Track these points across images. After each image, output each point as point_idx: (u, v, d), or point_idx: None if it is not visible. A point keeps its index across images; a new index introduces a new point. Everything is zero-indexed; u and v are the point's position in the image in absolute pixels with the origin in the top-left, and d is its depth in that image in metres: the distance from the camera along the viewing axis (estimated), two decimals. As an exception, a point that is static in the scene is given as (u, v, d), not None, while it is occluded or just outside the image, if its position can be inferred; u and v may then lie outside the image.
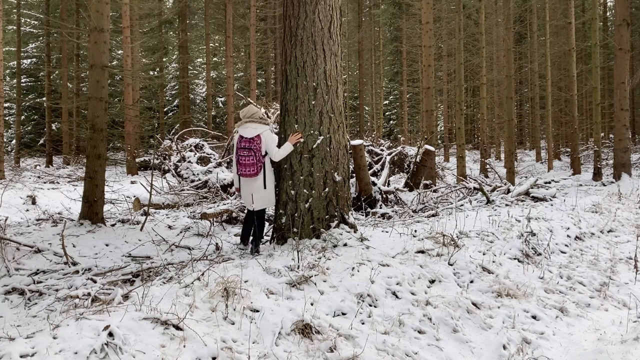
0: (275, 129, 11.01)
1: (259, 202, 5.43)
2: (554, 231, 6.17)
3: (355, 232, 5.28)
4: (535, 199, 8.78)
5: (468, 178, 13.17)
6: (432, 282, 4.45)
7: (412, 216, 7.73)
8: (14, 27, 25.02)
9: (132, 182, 15.44)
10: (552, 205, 8.01)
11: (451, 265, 4.79)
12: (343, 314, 3.79)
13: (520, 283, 4.61)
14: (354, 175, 8.82)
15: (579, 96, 22.65)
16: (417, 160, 10.37)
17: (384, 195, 8.92)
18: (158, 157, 12.65)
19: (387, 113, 40.01)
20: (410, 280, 4.35)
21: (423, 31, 14.00)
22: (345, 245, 4.93)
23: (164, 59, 30.82)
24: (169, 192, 10.25)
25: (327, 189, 5.26)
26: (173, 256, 5.70)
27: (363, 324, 3.71)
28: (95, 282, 4.51)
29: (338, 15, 5.42)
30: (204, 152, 11.97)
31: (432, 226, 5.85)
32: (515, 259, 5.27)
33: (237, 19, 25.39)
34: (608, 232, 6.82)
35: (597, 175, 14.50)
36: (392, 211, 8.24)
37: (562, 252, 5.78)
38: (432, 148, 10.52)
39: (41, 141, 26.97)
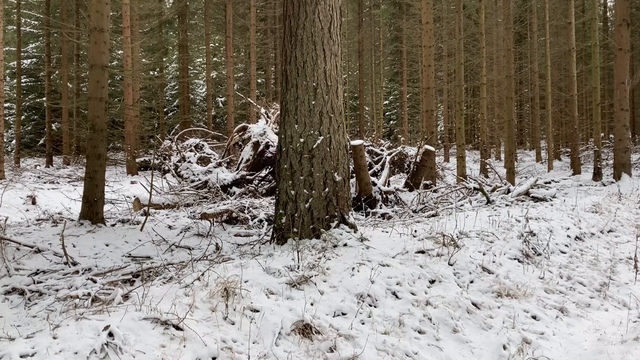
0: (275, 129, 11.02)
1: None
2: (554, 231, 6.17)
3: (355, 232, 5.28)
4: (535, 199, 8.78)
5: (468, 178, 13.17)
6: (432, 282, 4.45)
7: (412, 216, 7.73)
8: (14, 27, 25.01)
9: (132, 182, 15.44)
10: (552, 205, 8.00)
11: (451, 265, 4.79)
12: (343, 314, 3.79)
13: (520, 283, 4.60)
14: (354, 175, 8.81)
15: (579, 96, 22.64)
16: (417, 160, 10.37)
17: (384, 196, 8.92)
18: (158, 157, 12.65)
19: (387, 113, 39.99)
20: (410, 280, 4.35)
21: (423, 31, 13.99)
22: (345, 245, 4.93)
23: (164, 59, 30.82)
24: (169, 192, 10.25)
25: (327, 189, 5.26)
26: (173, 256, 5.69)
27: (363, 324, 3.70)
28: (95, 282, 4.50)
29: (338, 16, 5.42)
30: (204, 152, 11.98)
31: (432, 226, 5.84)
32: (515, 259, 5.27)
33: (237, 19, 25.38)
34: (608, 232, 6.81)
35: (597, 175, 14.50)
36: (392, 211, 8.24)
37: (562, 252, 5.77)
38: (432, 148, 10.52)
39: (41, 141, 26.96)
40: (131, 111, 18.85)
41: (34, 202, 10.53)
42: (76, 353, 2.80)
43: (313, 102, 5.25)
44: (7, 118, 26.95)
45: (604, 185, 13.06)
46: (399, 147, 11.98)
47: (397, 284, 4.25)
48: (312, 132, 5.24)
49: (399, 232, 5.60)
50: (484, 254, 5.13)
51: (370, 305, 3.95)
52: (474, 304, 4.17)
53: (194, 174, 10.93)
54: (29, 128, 28.67)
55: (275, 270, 4.18)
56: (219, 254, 5.38)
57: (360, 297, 3.98)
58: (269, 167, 10.90)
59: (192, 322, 3.25)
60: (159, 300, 3.45)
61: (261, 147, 10.75)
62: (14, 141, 25.76)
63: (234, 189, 10.38)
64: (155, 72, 29.33)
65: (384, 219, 7.69)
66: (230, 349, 3.12)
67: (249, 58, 25.59)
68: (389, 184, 10.39)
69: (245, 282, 3.87)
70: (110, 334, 2.95)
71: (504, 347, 3.65)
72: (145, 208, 8.34)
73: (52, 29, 23.14)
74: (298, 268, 4.27)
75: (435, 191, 10.01)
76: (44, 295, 4.28)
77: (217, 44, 33.78)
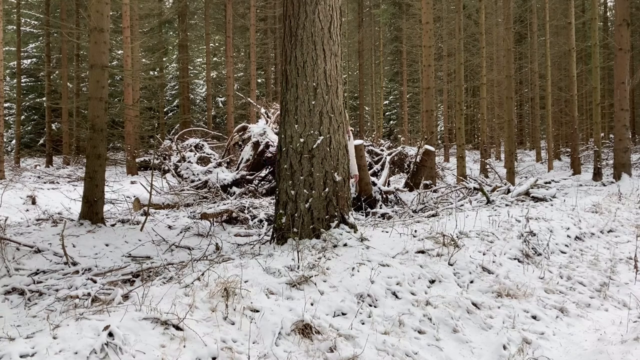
0: (275, 129, 11.02)
1: None
2: (554, 231, 6.17)
3: (355, 232, 5.28)
4: (535, 199, 8.78)
5: (468, 178, 13.16)
6: (432, 282, 4.44)
7: (412, 216, 7.73)
8: (14, 27, 25.01)
9: (132, 182, 15.44)
10: (552, 205, 8.00)
11: (451, 265, 4.79)
12: (343, 314, 3.79)
13: (520, 283, 4.60)
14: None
15: (579, 96, 22.64)
16: (417, 160, 10.37)
17: (384, 196, 8.92)
18: (158, 157, 12.65)
19: (387, 113, 39.99)
20: (410, 280, 4.35)
21: (423, 31, 14.00)
22: (345, 245, 4.93)
23: (164, 59, 30.82)
24: (169, 192, 10.25)
25: (327, 189, 5.26)
26: (173, 256, 5.69)
27: (363, 324, 3.70)
28: (95, 282, 4.50)
29: (338, 15, 5.42)
30: (204, 152, 11.98)
31: (432, 226, 5.84)
32: (515, 259, 5.27)
33: (237, 19, 25.39)
34: (608, 232, 6.81)
35: (597, 175, 14.50)
36: (392, 211, 8.24)
37: (562, 252, 5.77)
38: (432, 148, 10.52)
39: (41, 141, 26.96)
40: (131, 111, 18.85)
41: (34, 202, 10.53)
42: (76, 353, 2.80)
43: (313, 102, 5.25)
44: (7, 118, 26.95)
45: (604, 185, 13.06)
46: (399, 147, 11.98)
47: (397, 284, 4.25)
48: (312, 132, 5.24)
49: (399, 232, 5.60)
50: (484, 254, 5.13)
51: (370, 305, 3.95)
52: (474, 304, 4.17)
53: (194, 174, 10.93)
54: (29, 128, 28.67)
55: (275, 270, 4.18)
56: (219, 254, 5.38)
57: (360, 297, 3.98)
58: (269, 167, 10.90)
59: (192, 322, 3.25)
60: (159, 300, 3.45)
61: (261, 147, 10.75)
62: (14, 141, 25.76)
63: (234, 189, 10.38)
64: (155, 72, 29.33)
65: (384, 219, 7.69)
66: (230, 349, 3.12)
67: (249, 58, 25.60)
68: (389, 184, 10.39)
69: (245, 282, 3.87)
70: (110, 334, 2.95)
71: (504, 347, 3.65)
72: (145, 208, 8.34)
73: (52, 29, 23.13)
74: (298, 268, 4.26)
75: (435, 191, 10.01)
76: (44, 295, 4.28)
77: (217, 44, 33.77)
